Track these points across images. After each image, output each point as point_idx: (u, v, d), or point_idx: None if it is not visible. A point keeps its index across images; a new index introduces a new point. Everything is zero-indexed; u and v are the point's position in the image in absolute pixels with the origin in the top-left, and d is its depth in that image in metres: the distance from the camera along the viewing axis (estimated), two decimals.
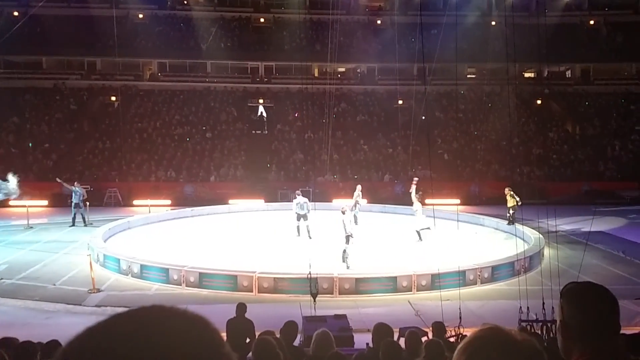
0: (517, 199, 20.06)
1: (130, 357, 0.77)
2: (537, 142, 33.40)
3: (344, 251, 15.19)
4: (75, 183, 22.13)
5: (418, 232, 18.00)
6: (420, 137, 28.65)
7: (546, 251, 16.64)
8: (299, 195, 19.03)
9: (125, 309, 0.87)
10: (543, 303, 9.46)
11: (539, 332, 9.09)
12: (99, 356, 0.78)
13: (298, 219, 18.74)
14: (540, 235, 17.27)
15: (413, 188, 18.68)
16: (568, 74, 41.81)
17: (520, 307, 9.80)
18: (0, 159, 29.82)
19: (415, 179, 19.70)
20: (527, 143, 32.84)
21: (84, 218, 21.57)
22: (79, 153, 31.09)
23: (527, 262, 15.08)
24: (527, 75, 40.17)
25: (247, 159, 31.85)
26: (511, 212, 20.20)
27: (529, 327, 9.16)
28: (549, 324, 9.34)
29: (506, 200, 20.49)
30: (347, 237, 15.21)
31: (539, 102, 37.35)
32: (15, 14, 36.64)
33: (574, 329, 1.88)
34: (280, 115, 36.01)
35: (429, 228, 17.85)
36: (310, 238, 18.07)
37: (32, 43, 35.58)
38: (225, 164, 31.20)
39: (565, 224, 20.84)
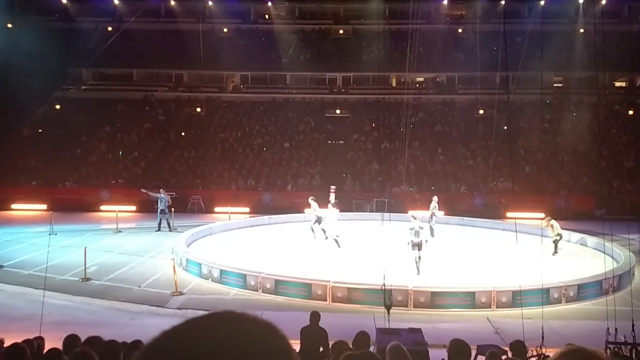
0: (559, 230, 18.23)
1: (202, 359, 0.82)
2: (628, 154, 31.50)
3: (419, 257, 15.20)
4: (161, 190, 23.15)
5: (335, 240, 18.33)
6: (501, 148, 27.79)
7: (637, 270, 15.63)
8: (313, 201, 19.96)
9: (200, 314, 0.92)
10: (633, 325, 8.90)
11: (628, 355, 8.54)
12: (173, 358, 0.83)
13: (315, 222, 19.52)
14: (631, 253, 16.28)
15: (332, 196, 20.50)
16: None
17: (608, 329, 9.25)
18: (94, 165, 31.78)
19: (333, 187, 21.46)
20: (617, 155, 31.04)
21: (168, 223, 22.51)
22: (166, 161, 32.51)
23: (616, 281, 14.23)
24: (618, 84, 38.04)
25: (323, 168, 32.11)
26: (554, 241, 18.19)
27: (617, 350, 8.62)
28: (638, 347, 8.76)
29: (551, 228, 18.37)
30: (419, 244, 15.19)
31: (630, 112, 35.23)
32: (109, 29, 39.13)
33: None
34: (356, 126, 36.08)
35: (338, 236, 18.37)
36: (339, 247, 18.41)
37: (123, 56, 37.76)
38: (302, 173, 31.62)
39: None
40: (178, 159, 32.77)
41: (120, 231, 22.46)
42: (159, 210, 22.52)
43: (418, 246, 15.28)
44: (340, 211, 26.54)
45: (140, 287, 14.68)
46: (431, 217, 20.36)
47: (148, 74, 40.81)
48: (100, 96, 37.60)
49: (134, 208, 27.45)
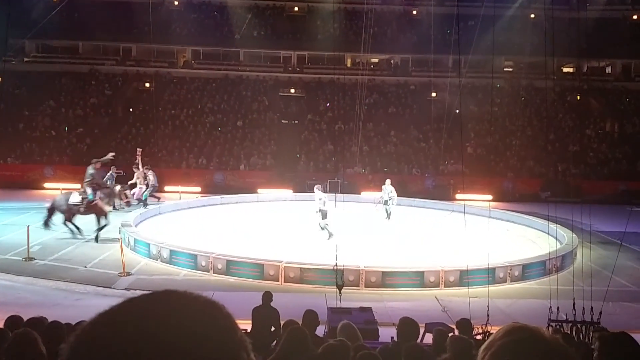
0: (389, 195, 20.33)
1: (142, 338, 0.78)
2: (574, 139, 32.62)
3: (327, 224, 16.91)
4: (112, 168, 22.48)
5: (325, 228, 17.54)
6: (453, 131, 28.25)
7: (579, 251, 16.25)
8: (318, 190, 18.07)
9: (139, 294, 0.88)
10: (574, 303, 9.24)
11: (569, 332, 8.87)
12: (112, 338, 0.79)
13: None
14: (574, 235, 16.89)
15: (139, 159, 20.80)
16: (608, 69, 40.62)
17: (550, 307, 9.58)
18: (37, 141, 30.56)
19: (139, 149, 21.86)
20: (563, 140, 32.08)
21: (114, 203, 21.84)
22: (113, 138, 31.56)
23: (559, 262, 14.77)
24: (565, 70, 39.21)
25: (277, 148, 31.91)
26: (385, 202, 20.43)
27: (558, 327, 8.94)
28: (579, 325, 9.12)
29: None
30: (326, 212, 16.98)
31: (577, 97, 36.42)
32: None
33: None
34: (311, 106, 35.94)
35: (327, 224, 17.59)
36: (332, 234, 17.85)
37: (69, 28, 36.25)
38: (255, 153, 31.33)
39: (599, 224, 20.28)
40: (126, 136, 31.87)
41: None
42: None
43: (324, 214, 17.08)
44: (294, 192, 26.60)
45: (86, 267, 14.28)
46: (385, 200, 20.25)
47: (94, 47, 39.39)
48: (44, 69, 36.08)
49: (79, 186, 26.49)
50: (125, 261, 13.89)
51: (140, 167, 22.14)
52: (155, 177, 22.54)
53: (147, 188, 22.19)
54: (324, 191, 18.90)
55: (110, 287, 12.80)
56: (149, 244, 15.30)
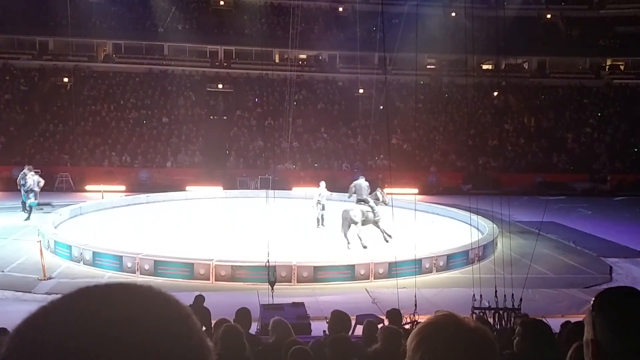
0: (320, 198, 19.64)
1: (90, 334, 0.69)
2: (493, 133, 34.09)
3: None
4: (26, 167, 21.28)
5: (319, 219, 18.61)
6: (380, 127, 28.82)
7: (499, 240, 17.00)
8: (322, 186, 18.70)
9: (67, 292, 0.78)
10: (496, 291, 9.67)
11: (492, 319, 9.29)
12: (56, 335, 0.70)
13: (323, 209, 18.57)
14: (494, 225, 17.62)
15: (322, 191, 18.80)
16: (525, 66, 42.72)
17: (474, 295, 9.99)
18: None
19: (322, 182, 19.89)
20: (483, 134, 33.45)
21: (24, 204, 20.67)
22: (29, 136, 30.00)
23: (481, 251, 15.39)
24: (485, 67, 40.84)
25: (206, 145, 31.38)
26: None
27: (481, 314, 9.34)
28: (501, 312, 9.56)
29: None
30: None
31: (495, 94, 38.08)
32: None
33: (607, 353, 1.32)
34: (240, 101, 35.58)
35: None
36: (323, 226, 18.37)
37: None
38: (183, 149, 30.67)
39: (518, 214, 21.33)
40: (43, 133, 30.34)
41: None
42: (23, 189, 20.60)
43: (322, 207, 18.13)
44: (224, 189, 26.25)
45: (3, 271, 13.50)
46: (318, 203, 18.68)
47: (8, 40, 37.12)
48: None
49: None
50: (46, 264, 13.24)
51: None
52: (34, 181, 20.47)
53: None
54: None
55: (30, 292, 12.18)
56: (70, 246, 14.65)
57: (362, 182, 16.44)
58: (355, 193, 16.33)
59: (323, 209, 18.58)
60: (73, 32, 30.07)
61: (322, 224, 18.53)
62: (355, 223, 15.57)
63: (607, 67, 42.16)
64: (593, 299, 1.38)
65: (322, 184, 18.88)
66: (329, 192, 19.32)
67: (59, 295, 0.77)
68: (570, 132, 35.32)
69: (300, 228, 18.21)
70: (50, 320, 0.73)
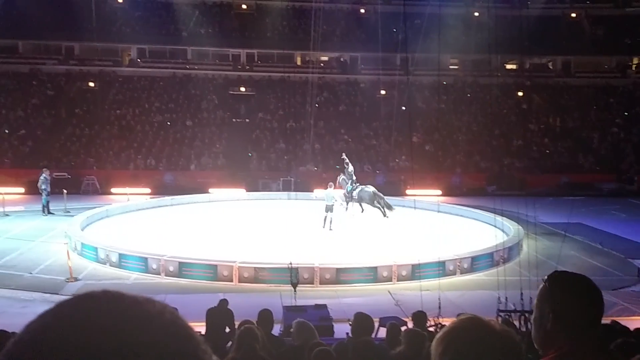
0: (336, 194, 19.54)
1: (90, 342, 0.70)
2: (517, 134, 33.67)
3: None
4: (45, 170, 21.74)
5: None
6: (402, 128, 28.67)
7: (525, 242, 16.79)
8: (330, 187, 18.63)
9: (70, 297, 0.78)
10: (521, 293, 9.54)
11: (517, 322, 9.17)
12: (54, 343, 0.71)
13: (326, 211, 18.41)
14: (520, 227, 17.41)
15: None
16: (550, 66, 42.13)
17: (499, 298, 9.88)
18: None
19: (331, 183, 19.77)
20: (507, 135, 33.07)
21: (44, 206, 21.16)
22: (57, 140, 30.55)
23: (506, 253, 15.22)
24: (509, 67, 40.37)
25: (228, 147, 31.59)
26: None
27: (507, 317, 9.22)
28: (526, 314, 9.42)
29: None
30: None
31: (520, 93, 37.61)
32: None
33: (565, 318, 1.79)
34: (262, 104, 35.75)
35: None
36: (331, 230, 18.06)
37: (8, 26, 34.69)
38: (206, 152, 30.93)
39: (544, 216, 21.04)
40: (70, 137, 30.86)
41: (7, 215, 20.88)
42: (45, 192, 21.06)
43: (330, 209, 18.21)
44: (247, 191, 26.40)
45: (31, 273, 13.79)
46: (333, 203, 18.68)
47: (35, 46, 37.87)
48: None
49: (22, 190, 25.55)
50: (72, 266, 13.48)
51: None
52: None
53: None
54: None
55: (57, 294, 12.37)
56: (97, 248, 14.89)
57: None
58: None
59: (331, 211, 18.32)
60: (98, 37, 30.61)
61: (330, 228, 18.10)
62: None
63: (634, 65, 41.35)
64: (545, 277, 1.86)
65: (331, 185, 18.69)
66: (335, 194, 19.04)
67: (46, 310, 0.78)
68: (596, 132, 34.71)
69: (323, 230, 18.20)
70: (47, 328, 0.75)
